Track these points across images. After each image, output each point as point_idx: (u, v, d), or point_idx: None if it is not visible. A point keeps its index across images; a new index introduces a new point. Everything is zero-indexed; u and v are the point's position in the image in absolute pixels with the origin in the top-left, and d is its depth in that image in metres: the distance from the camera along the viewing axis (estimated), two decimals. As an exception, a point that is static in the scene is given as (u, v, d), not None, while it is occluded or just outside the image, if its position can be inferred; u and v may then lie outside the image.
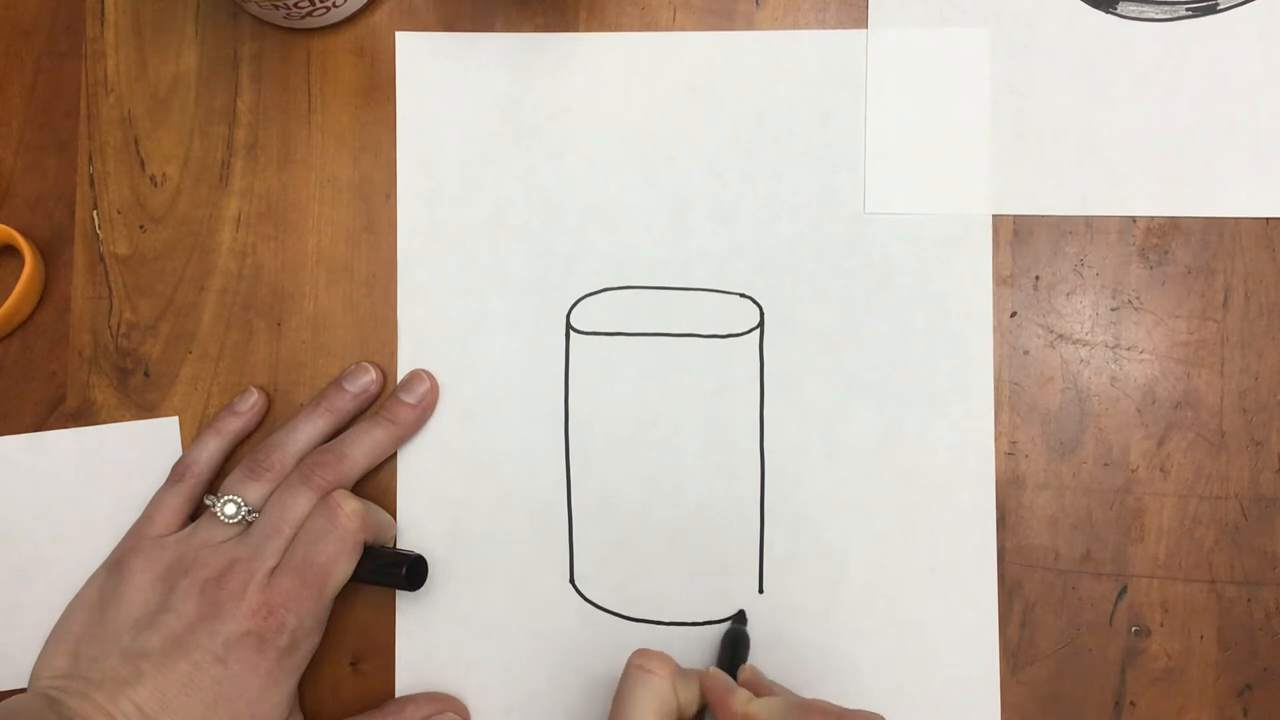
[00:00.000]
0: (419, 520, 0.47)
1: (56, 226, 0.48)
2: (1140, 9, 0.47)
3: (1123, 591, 0.45)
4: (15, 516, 0.47)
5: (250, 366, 0.48)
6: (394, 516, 0.47)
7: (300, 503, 0.43)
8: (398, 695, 0.46)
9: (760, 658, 0.46)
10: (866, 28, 0.47)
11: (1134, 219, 0.47)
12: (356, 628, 0.47)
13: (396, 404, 0.46)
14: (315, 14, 0.47)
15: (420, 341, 0.47)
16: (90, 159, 0.48)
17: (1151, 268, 0.46)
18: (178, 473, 0.45)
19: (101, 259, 0.48)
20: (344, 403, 0.46)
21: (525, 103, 0.48)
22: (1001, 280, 0.47)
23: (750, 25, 0.48)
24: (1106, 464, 0.46)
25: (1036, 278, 0.47)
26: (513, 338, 0.47)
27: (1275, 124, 0.46)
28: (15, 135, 0.49)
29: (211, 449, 0.46)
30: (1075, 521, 0.46)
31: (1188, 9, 0.47)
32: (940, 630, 0.45)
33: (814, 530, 0.46)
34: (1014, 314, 0.46)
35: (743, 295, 0.47)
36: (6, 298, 0.46)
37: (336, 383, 0.46)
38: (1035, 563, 0.46)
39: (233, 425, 0.46)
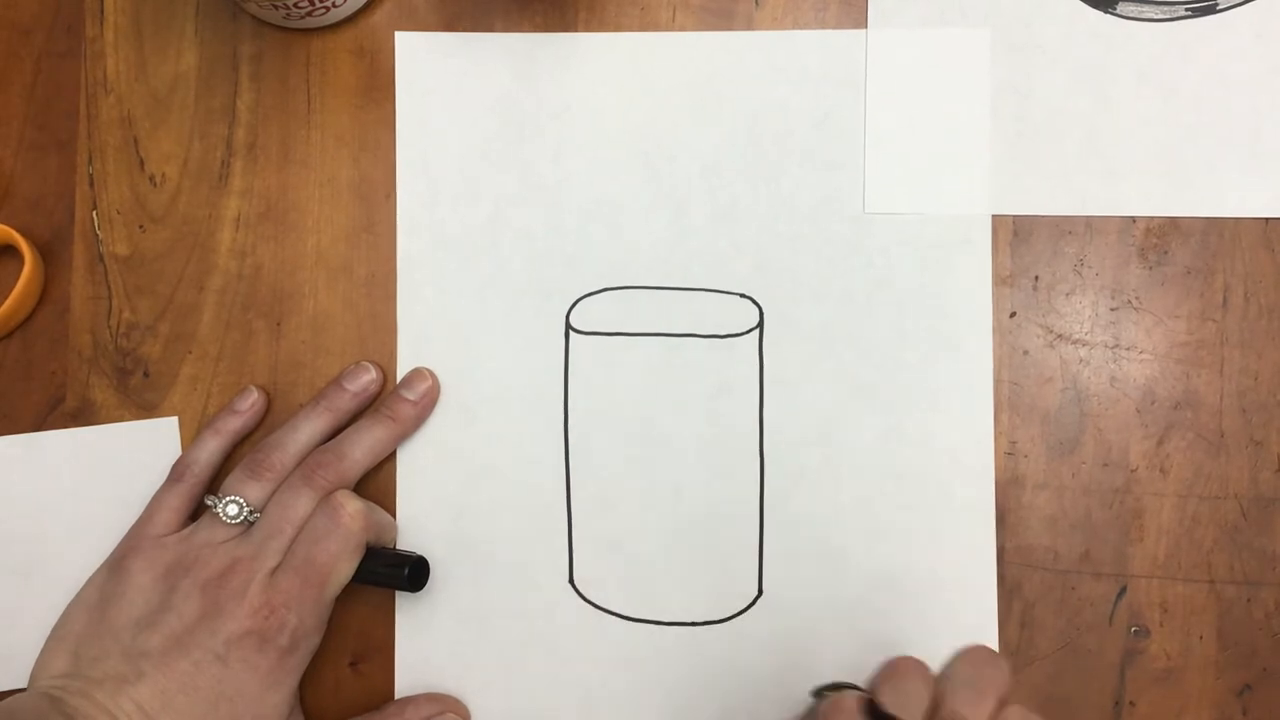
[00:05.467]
0: (419, 520, 0.47)
1: (56, 226, 0.48)
2: (1140, 9, 0.47)
3: (1122, 591, 0.45)
4: (15, 516, 0.47)
5: (250, 366, 0.48)
6: (394, 516, 0.47)
7: (302, 503, 0.43)
8: (398, 695, 0.46)
9: (760, 658, 0.46)
10: (866, 28, 0.47)
11: (1134, 219, 0.47)
12: (356, 628, 0.47)
13: (397, 401, 0.46)
14: (315, 14, 0.47)
15: (420, 341, 0.47)
16: (90, 159, 0.48)
17: (1151, 268, 0.46)
18: (178, 472, 0.45)
19: (101, 259, 0.48)
20: (344, 402, 0.46)
21: (525, 103, 0.48)
22: (1001, 280, 0.47)
23: (750, 25, 0.48)
24: (1106, 464, 0.46)
25: (1036, 278, 0.47)
26: (513, 338, 0.47)
27: (1275, 124, 0.46)
28: (15, 135, 0.49)
29: (211, 448, 0.46)
30: (1075, 521, 0.46)
31: (1187, 9, 0.47)
32: (940, 630, 0.45)
33: (814, 530, 0.46)
34: (1014, 314, 0.46)
35: (742, 295, 0.47)
36: (6, 298, 0.46)
37: (337, 382, 0.46)
38: (1035, 563, 0.46)
39: (232, 425, 0.46)
